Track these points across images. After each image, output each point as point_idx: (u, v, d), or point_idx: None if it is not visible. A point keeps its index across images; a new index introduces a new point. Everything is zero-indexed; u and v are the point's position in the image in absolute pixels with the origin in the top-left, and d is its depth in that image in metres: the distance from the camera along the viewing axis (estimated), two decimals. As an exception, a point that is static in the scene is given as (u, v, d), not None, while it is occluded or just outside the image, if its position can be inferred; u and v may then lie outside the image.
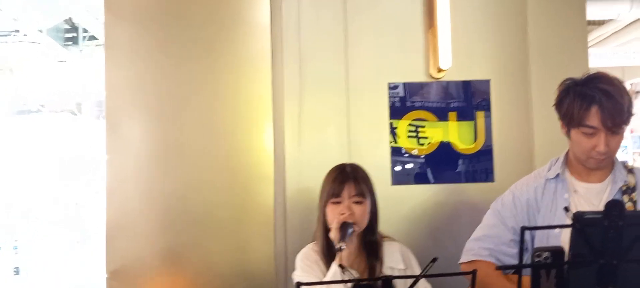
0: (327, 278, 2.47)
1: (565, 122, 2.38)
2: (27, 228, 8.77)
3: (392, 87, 3.42)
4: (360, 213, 2.60)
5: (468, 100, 3.43)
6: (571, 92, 2.34)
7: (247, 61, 3.34)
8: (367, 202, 2.65)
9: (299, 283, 1.51)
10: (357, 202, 2.61)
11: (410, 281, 2.49)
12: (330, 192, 2.65)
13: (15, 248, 8.62)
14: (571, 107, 2.31)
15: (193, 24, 3.34)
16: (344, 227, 2.51)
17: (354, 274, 2.44)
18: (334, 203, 2.62)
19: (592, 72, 2.43)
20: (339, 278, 2.35)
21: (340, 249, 2.41)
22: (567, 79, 2.39)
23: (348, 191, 2.62)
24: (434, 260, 1.56)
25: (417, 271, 2.64)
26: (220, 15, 3.35)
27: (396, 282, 2.27)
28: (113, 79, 3.32)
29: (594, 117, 2.27)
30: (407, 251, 2.71)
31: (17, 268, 8.33)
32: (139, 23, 3.34)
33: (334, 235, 2.53)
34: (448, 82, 3.43)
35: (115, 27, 3.33)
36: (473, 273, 1.56)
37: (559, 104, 2.39)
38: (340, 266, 2.13)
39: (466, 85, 3.43)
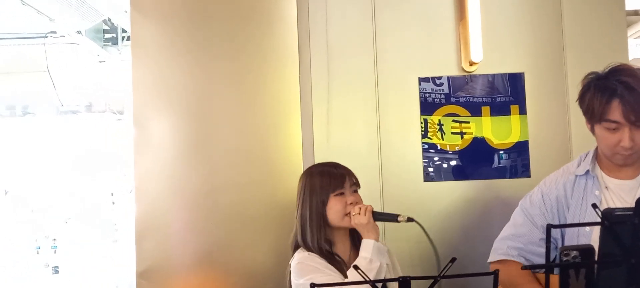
0: (369, 254, 2.45)
1: (587, 117, 2.28)
2: (66, 229, 8.89)
3: (423, 82, 3.34)
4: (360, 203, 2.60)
5: (502, 94, 3.34)
6: (592, 86, 2.23)
7: (275, 57, 3.31)
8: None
9: (313, 284, 1.45)
10: (355, 191, 2.61)
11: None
12: (333, 185, 2.57)
13: (54, 247, 8.76)
14: (592, 102, 2.21)
15: (219, 21, 3.32)
16: (374, 213, 2.52)
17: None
18: (337, 195, 2.56)
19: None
20: (381, 256, 2.45)
21: (410, 219, 2.48)
22: (590, 73, 2.29)
23: (349, 181, 2.60)
24: (453, 260, 1.49)
25: (398, 268, 2.66)
26: (247, 12, 3.32)
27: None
28: (140, 76, 3.32)
29: (615, 111, 2.15)
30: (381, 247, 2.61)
31: (56, 267, 8.46)
32: (165, 20, 3.33)
33: (359, 222, 2.51)
34: (480, 76, 3.34)
35: (142, 25, 3.33)
36: (495, 273, 1.48)
37: (580, 99, 2.29)
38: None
39: (500, 78, 3.34)
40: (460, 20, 3.32)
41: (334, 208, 2.55)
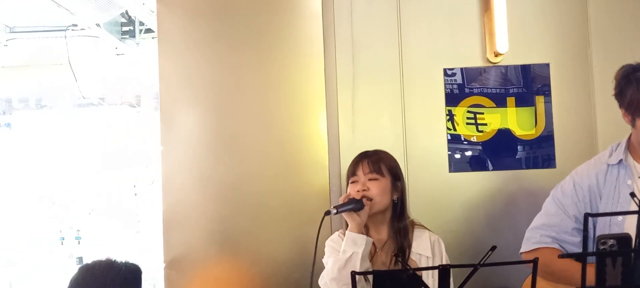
0: (343, 245, 2.52)
1: (629, 111, 2.27)
2: (89, 220, 8.96)
3: (448, 73, 3.35)
4: (376, 190, 2.62)
5: (527, 84, 3.34)
6: (633, 80, 2.23)
7: (300, 49, 3.32)
8: (385, 181, 2.65)
9: (353, 273, 1.47)
10: (372, 179, 2.63)
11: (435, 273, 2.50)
12: (348, 173, 2.72)
13: (78, 238, 8.85)
14: (634, 96, 2.21)
15: (245, 14, 3.34)
16: (351, 201, 2.55)
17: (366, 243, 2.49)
18: (352, 182, 2.67)
19: None
20: (354, 245, 2.47)
21: (327, 213, 2.50)
22: (624, 66, 2.28)
23: (362, 169, 2.66)
24: (493, 248, 1.51)
25: (445, 259, 2.65)
26: (272, 4, 3.34)
27: (422, 272, 2.25)
28: (167, 70, 3.34)
29: None
30: (437, 240, 2.67)
31: (80, 257, 8.55)
32: (191, 13, 3.35)
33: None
34: (506, 67, 3.35)
35: (167, 19, 3.35)
36: (534, 261, 1.50)
37: (620, 94, 2.28)
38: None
39: (525, 69, 3.34)
40: (485, 11, 3.32)
41: (349, 194, 2.64)
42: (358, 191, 2.61)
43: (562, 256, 1.69)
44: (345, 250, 2.49)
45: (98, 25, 7.57)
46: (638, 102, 2.21)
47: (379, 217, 2.64)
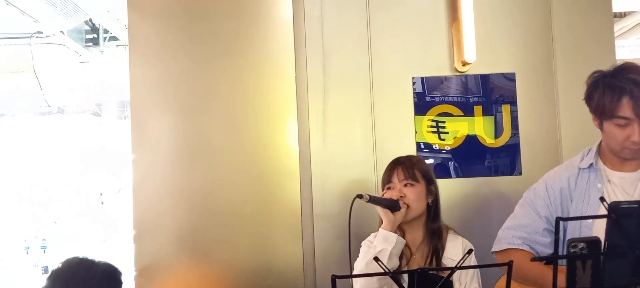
0: (374, 241, 2.58)
1: (597, 115, 2.36)
2: (54, 229, 8.85)
3: (416, 82, 3.40)
4: (412, 196, 2.66)
5: (493, 93, 3.41)
6: (601, 85, 2.32)
7: (271, 57, 3.35)
8: (420, 186, 2.69)
9: (334, 277, 1.50)
10: (408, 185, 2.67)
11: (467, 277, 2.55)
12: (383, 180, 2.76)
13: (44, 247, 8.74)
14: (602, 100, 2.30)
15: (216, 21, 3.35)
16: (392, 201, 2.60)
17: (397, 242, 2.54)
18: (388, 189, 2.71)
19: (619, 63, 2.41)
20: (385, 242, 2.52)
21: (359, 196, 2.54)
22: (595, 72, 2.37)
23: (397, 176, 2.70)
24: (470, 251, 1.55)
25: (475, 272, 2.67)
26: (243, 12, 3.36)
27: (454, 279, 2.29)
28: (137, 77, 3.34)
29: (625, 108, 2.25)
30: (469, 245, 2.68)
31: (45, 267, 8.44)
32: (162, 21, 3.35)
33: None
34: (473, 76, 3.41)
35: (139, 25, 3.35)
36: (509, 264, 1.54)
37: (588, 98, 2.38)
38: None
39: (491, 78, 3.41)
40: (453, 22, 3.38)
41: None
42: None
43: (534, 259, 1.75)
44: (375, 245, 2.55)
45: (62, 32, 7.50)
46: (603, 107, 2.29)
47: (414, 221, 2.68)
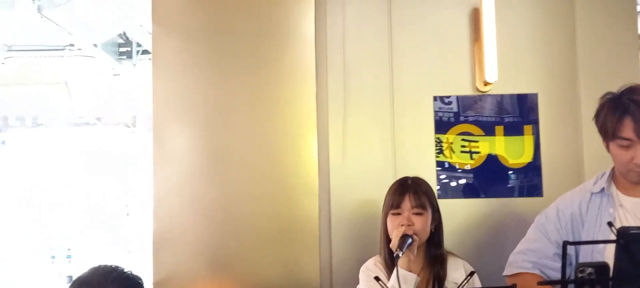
0: (391, 281, 2.48)
1: (602, 135, 2.34)
2: (80, 239, 8.97)
3: (438, 101, 3.39)
4: (421, 225, 2.61)
5: (515, 114, 3.38)
6: (606, 105, 2.30)
7: (292, 73, 3.36)
8: (428, 214, 2.65)
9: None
10: (417, 214, 2.62)
11: None
12: (390, 203, 2.68)
13: (69, 257, 8.85)
14: (605, 120, 2.28)
15: (239, 37, 3.37)
16: (403, 238, 2.51)
17: (415, 281, 2.48)
18: (394, 214, 2.65)
19: None
20: (404, 283, 2.42)
21: (397, 257, 2.42)
22: (606, 93, 2.35)
23: (408, 203, 2.64)
24: (472, 273, 1.53)
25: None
26: (266, 28, 3.38)
27: None
28: (160, 90, 3.37)
29: (627, 128, 2.22)
30: (470, 269, 2.65)
31: (70, 276, 8.55)
32: (186, 35, 3.38)
33: (392, 244, 2.54)
34: (495, 96, 3.39)
35: (162, 40, 3.39)
36: (513, 287, 1.52)
37: (596, 118, 2.37)
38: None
39: (513, 98, 3.39)
40: (475, 41, 3.37)
41: (389, 226, 2.65)
42: (402, 225, 2.58)
43: (541, 283, 1.73)
44: (394, 286, 2.43)
45: (95, 45, 7.63)
46: (607, 127, 2.27)
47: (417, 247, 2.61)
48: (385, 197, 2.76)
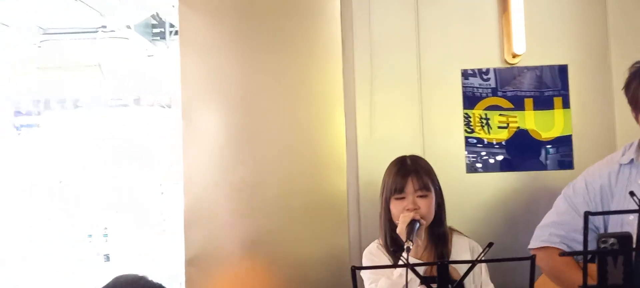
0: (394, 277, 2.44)
1: (632, 106, 2.29)
2: (116, 218, 9.13)
3: (466, 75, 3.36)
4: (426, 207, 2.53)
5: (545, 86, 3.34)
6: (637, 75, 2.24)
7: (319, 51, 3.36)
8: (432, 195, 2.57)
9: (354, 267, 1.51)
10: (421, 196, 2.54)
11: (478, 274, 2.49)
12: (392, 187, 2.57)
13: (105, 236, 9.02)
14: (637, 91, 2.22)
15: (265, 15, 3.38)
16: (411, 224, 2.43)
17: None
18: (397, 199, 2.55)
19: None
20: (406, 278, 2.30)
21: (408, 249, 2.30)
22: (636, 62, 2.30)
23: (411, 185, 2.54)
24: (490, 244, 1.53)
25: (484, 267, 2.59)
26: (291, 7, 3.38)
27: (468, 280, 2.23)
28: (188, 70, 3.40)
29: None
30: (476, 246, 2.64)
31: (107, 255, 8.72)
32: (212, 15, 3.41)
33: (400, 230, 2.47)
34: (524, 68, 3.35)
35: (189, 19, 3.41)
36: (532, 258, 1.52)
37: (626, 88, 2.31)
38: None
39: (543, 70, 3.34)
40: (503, 13, 3.33)
41: (393, 211, 2.57)
42: (409, 210, 2.50)
43: (562, 254, 1.71)
44: (401, 274, 2.36)
45: (129, 27, 7.70)
46: (637, 98, 2.22)
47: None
48: (384, 180, 2.66)
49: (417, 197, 2.54)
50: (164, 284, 2.58)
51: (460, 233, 2.69)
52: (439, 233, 2.59)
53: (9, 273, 8.63)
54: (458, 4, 3.39)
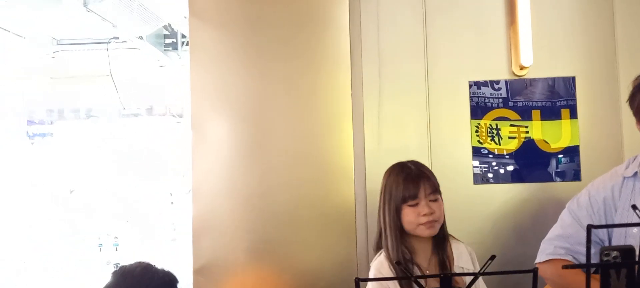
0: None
1: (637, 118, 2.29)
2: (126, 227, 9.16)
3: (473, 86, 3.37)
4: (439, 211, 2.51)
5: (552, 97, 3.35)
6: None
7: (327, 62, 3.38)
8: (441, 197, 2.55)
9: (358, 279, 1.52)
10: (433, 200, 2.51)
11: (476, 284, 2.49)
12: (404, 194, 2.50)
13: (116, 245, 9.05)
14: None
15: (275, 26, 3.40)
16: None
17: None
18: (411, 205, 2.49)
19: None
20: None
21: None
22: None
23: (423, 190, 2.49)
24: (492, 257, 1.54)
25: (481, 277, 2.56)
26: (301, 17, 3.40)
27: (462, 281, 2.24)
28: (198, 81, 3.43)
29: None
30: (472, 252, 2.63)
31: (117, 264, 8.75)
32: (222, 25, 3.43)
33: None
34: (531, 80, 3.36)
35: (199, 30, 3.44)
36: (534, 271, 1.53)
37: (631, 99, 2.32)
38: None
39: (550, 82, 3.35)
40: (511, 25, 3.34)
41: (406, 219, 2.50)
42: (425, 215, 2.46)
43: (565, 267, 1.71)
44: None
45: (141, 38, 7.75)
46: None
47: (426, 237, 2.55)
48: (389, 188, 2.57)
49: (430, 201, 2.50)
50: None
51: (454, 237, 2.64)
52: (439, 238, 2.56)
53: (19, 282, 8.69)
54: (466, 15, 3.41)
